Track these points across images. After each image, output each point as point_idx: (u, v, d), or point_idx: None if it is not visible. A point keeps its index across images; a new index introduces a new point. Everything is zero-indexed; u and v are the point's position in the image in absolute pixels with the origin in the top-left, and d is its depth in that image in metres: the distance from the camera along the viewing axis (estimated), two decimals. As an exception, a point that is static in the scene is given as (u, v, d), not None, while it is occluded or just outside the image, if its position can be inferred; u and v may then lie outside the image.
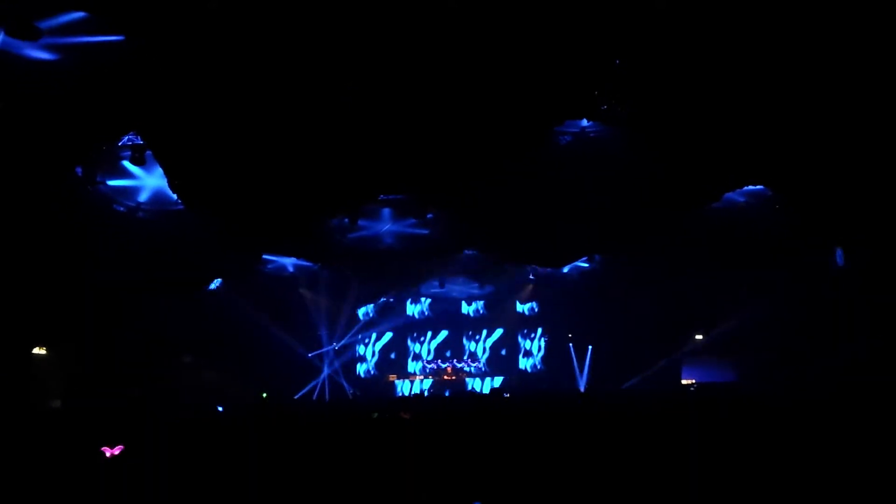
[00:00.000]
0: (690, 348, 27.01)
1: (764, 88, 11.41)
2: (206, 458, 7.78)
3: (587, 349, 28.92)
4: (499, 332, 31.82)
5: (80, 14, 9.26)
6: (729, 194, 16.29)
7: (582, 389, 27.93)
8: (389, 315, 31.85)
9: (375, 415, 13.06)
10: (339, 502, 6.22)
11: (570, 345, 29.66)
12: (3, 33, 8.86)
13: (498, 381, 30.80)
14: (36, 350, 21.77)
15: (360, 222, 18.92)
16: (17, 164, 13.01)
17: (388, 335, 31.92)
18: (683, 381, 26.58)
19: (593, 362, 28.58)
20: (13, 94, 10.91)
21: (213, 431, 10.49)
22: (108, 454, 7.22)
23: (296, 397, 27.12)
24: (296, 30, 9.87)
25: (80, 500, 6.43)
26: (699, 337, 27.21)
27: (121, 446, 7.57)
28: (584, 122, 13.87)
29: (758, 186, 16.16)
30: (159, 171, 14.57)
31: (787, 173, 14.18)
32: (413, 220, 19.13)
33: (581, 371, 29.01)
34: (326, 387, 29.31)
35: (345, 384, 29.53)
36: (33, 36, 8.80)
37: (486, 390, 29.66)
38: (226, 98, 11.57)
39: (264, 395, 24.10)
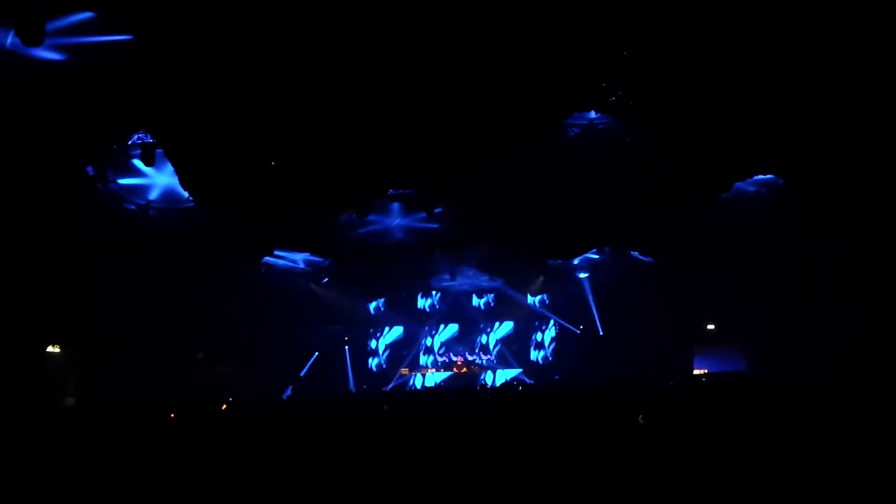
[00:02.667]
0: (702, 338, 26.97)
1: (768, 77, 11.38)
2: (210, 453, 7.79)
3: (597, 340, 28.86)
4: (509, 324, 31.83)
5: (88, 14, 9.30)
6: (739, 184, 16.23)
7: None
8: (400, 309, 31.92)
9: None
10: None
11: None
12: (12, 34, 8.90)
13: (510, 373, 30.78)
14: (49, 348, 21.93)
15: (370, 217, 18.93)
16: (29, 164, 13.12)
17: (399, 329, 31.98)
18: (696, 371, 26.55)
19: (603, 353, 28.49)
20: (24, 94, 10.97)
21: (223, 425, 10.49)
22: None
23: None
24: (301, 26, 9.90)
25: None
26: (711, 326, 27.16)
27: None
28: (593, 115, 13.82)
29: (767, 176, 16.08)
30: (169, 168, 14.64)
31: (797, 160, 14.15)
32: (422, 215, 19.10)
33: (588, 362, 28.96)
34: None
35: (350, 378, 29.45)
36: (41, 37, 8.83)
37: (499, 383, 29.67)
38: (234, 95, 11.61)
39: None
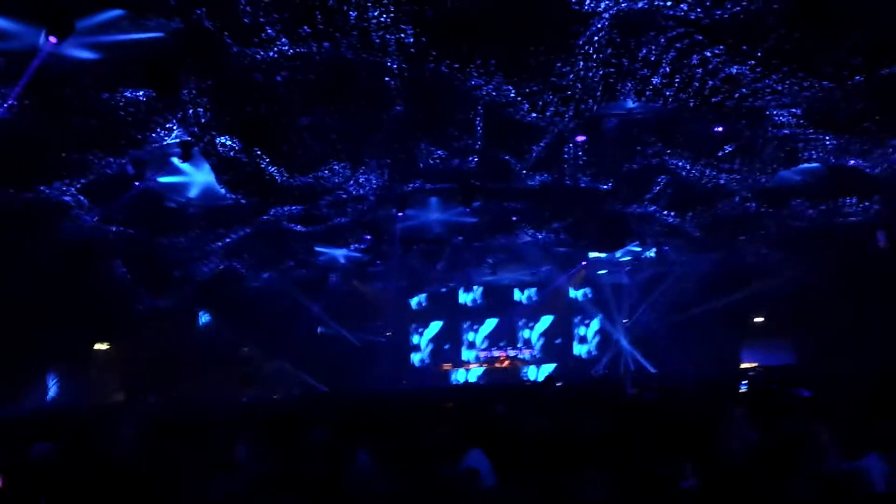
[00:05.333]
0: (750, 330, 26.56)
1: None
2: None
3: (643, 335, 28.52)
4: (550, 318, 31.59)
5: (119, 12, 9.36)
6: (784, 172, 15.78)
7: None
8: (442, 304, 31.89)
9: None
10: None
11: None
12: (43, 33, 8.99)
13: (548, 368, 30.59)
14: (97, 346, 22.36)
15: (408, 212, 18.86)
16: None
17: (441, 324, 31.95)
18: (744, 365, 26.09)
19: (650, 348, 28.15)
20: (58, 93, 11.09)
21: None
22: None
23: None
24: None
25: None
26: (759, 319, 26.69)
27: None
28: (630, 104, 13.50)
29: (813, 165, 15.60)
30: (207, 167, 14.73)
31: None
32: (461, 209, 18.96)
33: (632, 357, 28.65)
34: None
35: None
36: (71, 34, 8.92)
37: (541, 378, 29.46)
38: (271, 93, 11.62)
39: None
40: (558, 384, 18.43)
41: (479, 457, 5.21)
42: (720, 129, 13.64)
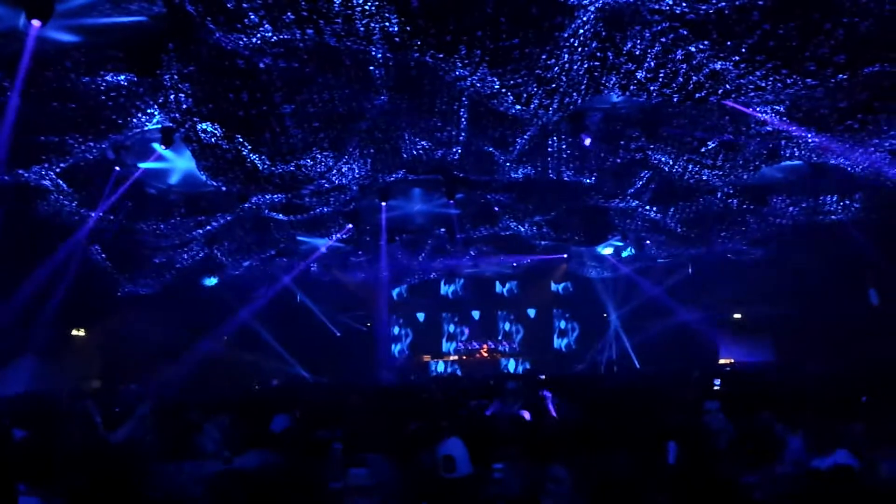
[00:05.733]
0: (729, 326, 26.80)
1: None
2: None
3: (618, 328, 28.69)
4: (531, 311, 31.68)
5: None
6: (766, 169, 15.87)
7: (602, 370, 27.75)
8: (423, 295, 31.89)
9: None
10: None
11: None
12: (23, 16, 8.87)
13: (531, 362, 30.69)
14: (74, 331, 22.18)
15: (391, 202, 18.84)
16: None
17: (422, 315, 31.97)
18: (721, 360, 26.31)
19: (632, 343, 28.33)
20: (42, 78, 10.96)
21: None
22: None
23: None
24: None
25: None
26: (737, 316, 26.91)
27: None
28: (615, 98, 13.50)
29: (796, 162, 15.70)
30: (188, 153, 14.59)
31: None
32: (443, 200, 18.97)
33: (610, 352, 28.81)
34: None
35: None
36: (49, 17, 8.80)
37: (520, 371, 29.57)
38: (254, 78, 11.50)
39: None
40: (541, 376, 18.45)
41: (457, 444, 5.22)
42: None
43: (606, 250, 24.48)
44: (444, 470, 4.93)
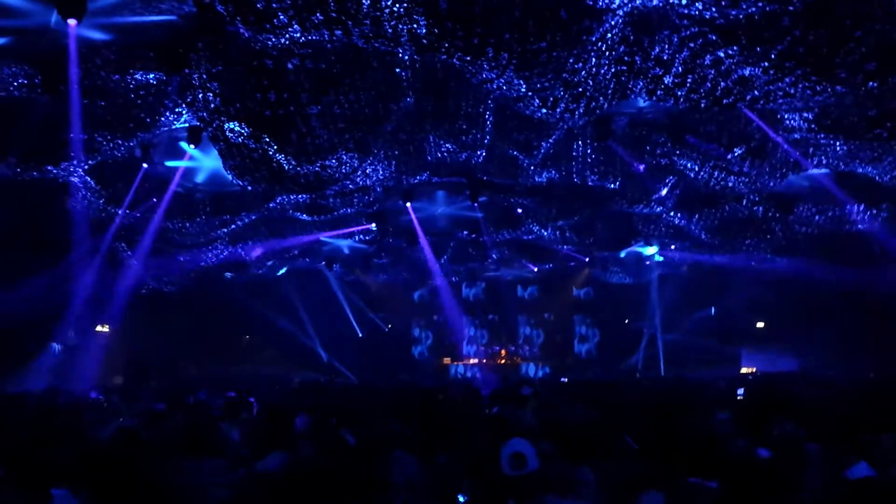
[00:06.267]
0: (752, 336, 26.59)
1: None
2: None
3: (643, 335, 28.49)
4: (551, 316, 31.58)
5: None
6: (793, 177, 15.75)
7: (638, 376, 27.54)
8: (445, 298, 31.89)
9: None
10: None
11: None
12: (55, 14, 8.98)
13: (550, 366, 30.59)
14: (99, 328, 22.39)
15: (414, 204, 18.88)
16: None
17: (443, 318, 31.98)
18: (743, 370, 26.10)
19: (649, 348, 28.16)
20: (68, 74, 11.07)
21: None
22: None
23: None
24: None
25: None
26: (760, 325, 26.70)
27: None
28: (641, 103, 13.45)
29: (822, 170, 15.56)
30: (215, 152, 14.70)
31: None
32: (466, 203, 18.98)
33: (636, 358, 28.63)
34: None
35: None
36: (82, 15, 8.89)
37: (540, 375, 29.49)
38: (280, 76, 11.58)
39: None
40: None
41: (522, 442, 5.21)
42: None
43: (650, 249, 24.20)
44: (513, 468, 4.95)
